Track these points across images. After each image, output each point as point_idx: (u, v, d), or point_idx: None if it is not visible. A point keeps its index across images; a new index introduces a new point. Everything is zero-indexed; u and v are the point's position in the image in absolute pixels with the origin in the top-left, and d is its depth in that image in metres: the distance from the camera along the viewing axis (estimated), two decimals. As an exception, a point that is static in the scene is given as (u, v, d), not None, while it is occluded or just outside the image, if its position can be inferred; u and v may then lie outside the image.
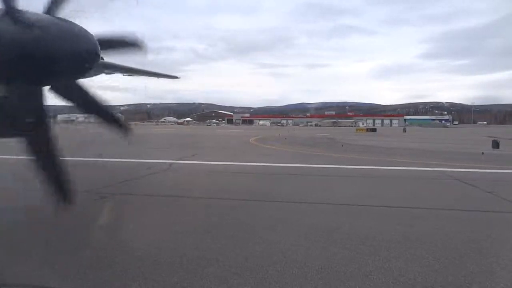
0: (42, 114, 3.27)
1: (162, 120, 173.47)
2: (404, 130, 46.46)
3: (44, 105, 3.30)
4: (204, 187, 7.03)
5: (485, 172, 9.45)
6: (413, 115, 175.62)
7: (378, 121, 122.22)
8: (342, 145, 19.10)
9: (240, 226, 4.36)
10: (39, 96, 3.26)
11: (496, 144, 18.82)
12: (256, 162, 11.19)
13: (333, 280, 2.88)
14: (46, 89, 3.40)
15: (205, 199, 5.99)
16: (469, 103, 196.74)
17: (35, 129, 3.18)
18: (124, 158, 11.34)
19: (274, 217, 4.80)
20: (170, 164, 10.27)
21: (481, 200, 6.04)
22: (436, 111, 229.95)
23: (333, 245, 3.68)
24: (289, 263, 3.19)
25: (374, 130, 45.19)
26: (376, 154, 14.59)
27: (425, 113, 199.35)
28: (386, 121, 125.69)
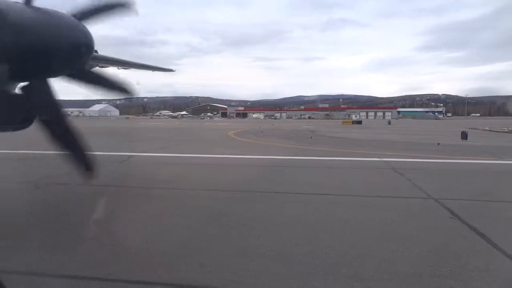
0: (53, 105, 3.28)
1: (158, 113, 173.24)
2: (389, 123, 46.98)
3: (53, 97, 3.26)
4: (136, 178, 7.50)
5: (422, 161, 9.90)
6: (410, 107, 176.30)
7: (371, 114, 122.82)
8: (311, 137, 19.51)
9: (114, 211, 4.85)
10: (45, 89, 3.20)
11: (464, 136, 19.33)
12: (215, 154, 11.57)
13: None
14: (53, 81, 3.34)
15: (125, 187, 6.45)
16: (464, 95, 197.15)
17: (53, 119, 3.24)
18: (91, 151, 11.67)
19: (179, 202, 5.23)
20: (130, 156, 10.64)
21: (396, 187, 6.44)
22: (433, 103, 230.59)
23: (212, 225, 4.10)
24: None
25: (359, 122, 45.73)
26: (341, 145, 15.00)
27: (421, 106, 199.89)
28: (379, 114, 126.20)
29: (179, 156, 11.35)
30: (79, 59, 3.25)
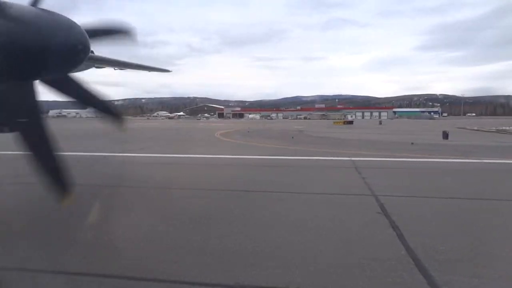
0: (34, 108, 3.19)
1: (155, 114, 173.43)
2: (380, 123, 47.31)
3: (36, 100, 3.20)
4: (96, 176, 7.76)
5: (386, 160, 10.20)
6: (408, 107, 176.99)
7: (367, 114, 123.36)
8: (293, 137, 19.78)
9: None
10: (30, 91, 3.15)
11: (445, 135, 19.65)
12: (191, 154, 11.81)
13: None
14: (37, 83, 3.27)
15: (88, 186, 6.68)
16: (463, 95, 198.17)
17: (29, 124, 3.13)
18: (70, 151, 11.88)
19: (125, 199, 5.47)
20: (105, 156, 10.88)
21: (348, 185, 6.66)
22: (430, 103, 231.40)
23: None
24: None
25: (351, 122, 46.06)
26: (320, 145, 15.27)
27: (419, 106, 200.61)
28: (375, 114, 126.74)
29: (154, 156, 11.56)
30: (75, 59, 3.20)
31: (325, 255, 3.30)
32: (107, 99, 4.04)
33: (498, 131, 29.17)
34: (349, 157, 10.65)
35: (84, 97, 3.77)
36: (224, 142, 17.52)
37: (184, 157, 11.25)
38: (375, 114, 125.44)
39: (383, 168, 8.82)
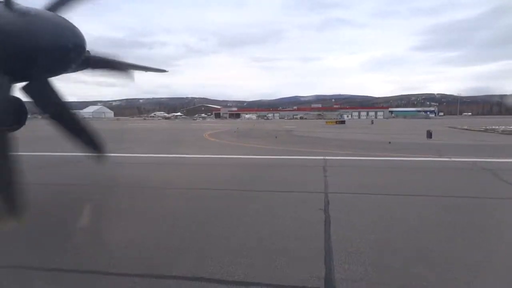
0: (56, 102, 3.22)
1: (152, 115, 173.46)
2: (372, 122, 47.57)
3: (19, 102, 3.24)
4: (58, 176, 7.91)
5: (357, 159, 10.38)
6: (406, 106, 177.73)
7: (363, 113, 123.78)
8: (276, 137, 19.95)
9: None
10: (45, 87, 3.17)
11: (429, 135, 19.86)
12: (169, 154, 11.95)
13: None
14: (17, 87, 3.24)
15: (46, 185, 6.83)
16: (459, 95, 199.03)
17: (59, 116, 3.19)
18: (51, 152, 12.00)
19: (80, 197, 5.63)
20: (83, 156, 11.02)
21: (307, 182, 6.78)
22: (428, 103, 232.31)
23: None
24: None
25: (343, 122, 46.35)
26: (301, 144, 15.44)
27: (416, 105, 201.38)
28: (371, 113, 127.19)
29: (131, 156, 11.69)
30: (70, 59, 3.19)
31: (246, 246, 3.46)
32: (82, 119, 3.86)
33: (486, 130, 29.34)
34: (324, 156, 10.81)
35: (58, 111, 3.52)
36: (208, 142, 17.68)
37: (157, 157, 11.39)
38: (372, 114, 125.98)
39: (351, 166, 8.98)
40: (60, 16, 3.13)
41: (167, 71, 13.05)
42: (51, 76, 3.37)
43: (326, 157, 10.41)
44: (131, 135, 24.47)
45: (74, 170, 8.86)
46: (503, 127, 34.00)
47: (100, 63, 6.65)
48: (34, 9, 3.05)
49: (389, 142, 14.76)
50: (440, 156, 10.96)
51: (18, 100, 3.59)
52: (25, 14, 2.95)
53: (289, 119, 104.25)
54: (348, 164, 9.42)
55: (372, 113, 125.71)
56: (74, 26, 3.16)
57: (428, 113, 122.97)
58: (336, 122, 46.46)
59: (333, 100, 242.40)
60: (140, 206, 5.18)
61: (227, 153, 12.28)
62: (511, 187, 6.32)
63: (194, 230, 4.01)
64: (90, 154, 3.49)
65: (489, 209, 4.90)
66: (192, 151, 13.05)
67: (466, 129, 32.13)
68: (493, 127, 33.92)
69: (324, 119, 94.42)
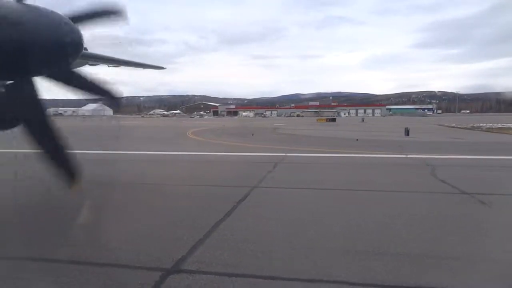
0: (35, 104, 3.21)
1: (151, 112, 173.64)
2: (363, 120, 47.89)
3: (36, 96, 3.22)
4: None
5: (314, 156, 10.67)
6: (406, 104, 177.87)
7: (360, 111, 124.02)
8: (253, 135, 20.21)
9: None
10: (30, 87, 3.14)
11: (407, 132, 20.12)
12: (140, 151, 12.25)
13: None
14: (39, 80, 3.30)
15: None
16: (460, 92, 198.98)
17: (34, 119, 3.17)
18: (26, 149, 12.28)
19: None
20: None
21: (246, 178, 7.01)
22: (428, 100, 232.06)
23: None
24: None
25: (333, 120, 46.70)
26: (272, 141, 15.70)
27: (416, 103, 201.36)
28: (369, 111, 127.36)
29: (100, 153, 11.95)
30: (67, 56, 3.21)
31: (140, 233, 3.79)
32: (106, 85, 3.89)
33: (471, 128, 29.56)
34: (285, 153, 11.09)
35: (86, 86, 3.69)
36: (185, 140, 17.98)
37: (128, 153, 11.68)
38: (369, 111, 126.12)
39: (302, 163, 9.27)
40: (57, 12, 3.11)
41: (164, 68, 13.16)
42: (45, 74, 3.34)
43: (288, 154, 10.70)
44: (116, 133, 24.71)
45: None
46: (490, 124, 34.30)
47: (98, 60, 6.59)
48: (37, 5, 3.04)
49: (357, 139, 15.04)
50: (399, 153, 11.20)
51: None
52: (31, 9, 2.97)
53: (287, 116, 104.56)
54: (301, 160, 9.69)
55: (369, 111, 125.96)
56: (71, 23, 3.14)
57: (425, 110, 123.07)
58: (327, 120, 46.84)
59: (330, 97, 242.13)
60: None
61: (193, 150, 12.60)
62: (435, 180, 6.56)
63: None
64: (60, 177, 3.33)
65: (393, 200, 5.20)
66: (161, 148, 13.34)
67: (453, 127, 32.35)
68: (480, 125, 34.19)
69: (321, 116, 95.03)
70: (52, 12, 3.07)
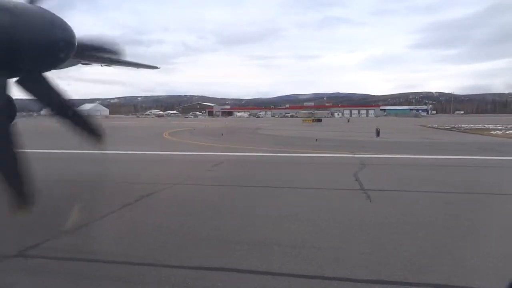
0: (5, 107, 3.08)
1: (147, 112, 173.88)
2: (348, 120, 48.26)
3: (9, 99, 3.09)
4: None
5: (268, 155, 11.03)
6: (403, 105, 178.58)
7: (355, 112, 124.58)
8: (222, 135, 20.53)
9: None
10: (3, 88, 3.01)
11: (377, 133, 20.47)
12: (108, 150, 12.54)
13: None
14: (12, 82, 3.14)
15: None
16: (458, 93, 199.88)
17: None
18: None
19: None
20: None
21: (188, 176, 7.38)
22: (425, 101, 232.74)
23: None
24: None
25: (319, 120, 47.07)
26: (242, 142, 16.02)
27: (413, 103, 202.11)
28: (363, 111, 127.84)
29: (67, 152, 12.20)
30: (59, 55, 3.14)
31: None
32: (78, 107, 3.80)
33: (451, 129, 29.95)
34: (244, 152, 11.48)
35: (55, 102, 3.37)
36: (159, 140, 18.33)
37: (85, 153, 11.96)
38: (363, 112, 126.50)
39: (247, 161, 9.65)
40: (49, 10, 3.03)
41: (158, 68, 13.32)
42: (43, 71, 3.25)
43: (247, 154, 11.11)
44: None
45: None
46: (471, 125, 34.77)
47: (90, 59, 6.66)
48: (20, 3, 2.97)
49: (316, 140, 15.38)
50: (350, 153, 11.50)
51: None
52: (22, 6, 2.91)
53: (281, 117, 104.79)
54: (246, 159, 10.03)
55: (363, 111, 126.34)
56: (64, 21, 3.09)
57: (420, 111, 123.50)
58: (313, 121, 47.23)
59: (324, 98, 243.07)
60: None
61: (155, 149, 12.92)
62: (350, 178, 6.85)
63: None
64: (91, 141, 3.43)
65: (289, 196, 5.58)
66: (126, 148, 13.62)
67: (434, 128, 32.73)
68: (462, 125, 34.64)
69: (313, 117, 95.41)
70: (41, 8, 3.01)
